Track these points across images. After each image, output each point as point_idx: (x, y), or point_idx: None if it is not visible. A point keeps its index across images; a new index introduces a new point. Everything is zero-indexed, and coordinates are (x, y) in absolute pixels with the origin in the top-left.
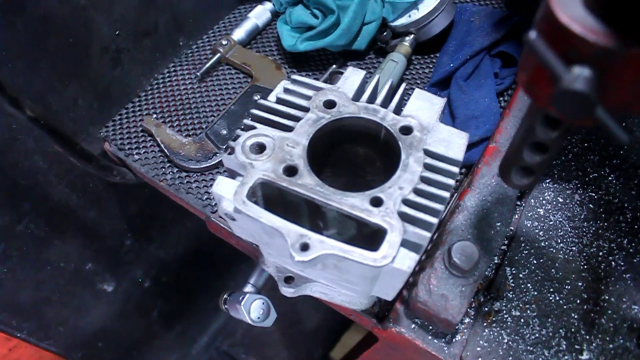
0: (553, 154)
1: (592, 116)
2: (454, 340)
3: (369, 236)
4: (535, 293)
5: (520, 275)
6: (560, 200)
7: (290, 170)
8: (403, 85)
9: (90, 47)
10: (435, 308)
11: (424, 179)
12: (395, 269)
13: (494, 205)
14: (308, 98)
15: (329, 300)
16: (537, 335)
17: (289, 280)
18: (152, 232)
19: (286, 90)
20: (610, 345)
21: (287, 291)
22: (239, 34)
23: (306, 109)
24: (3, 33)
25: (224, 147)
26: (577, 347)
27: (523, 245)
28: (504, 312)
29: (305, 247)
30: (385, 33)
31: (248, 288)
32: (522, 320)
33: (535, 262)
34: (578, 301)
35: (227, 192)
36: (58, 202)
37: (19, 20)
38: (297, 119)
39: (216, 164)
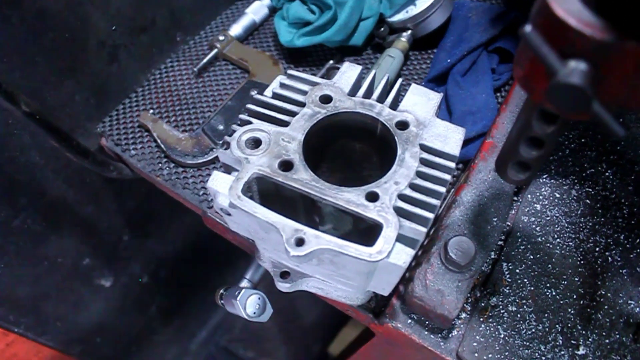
0: (549, 149)
1: (588, 110)
2: (450, 335)
3: (364, 231)
4: (532, 288)
5: (517, 271)
6: (557, 195)
7: (286, 165)
8: (399, 81)
9: (87, 42)
10: (431, 303)
11: (420, 174)
12: (391, 264)
13: (490, 200)
14: (304, 93)
15: (325, 295)
16: (533, 330)
17: (284, 275)
18: (149, 227)
19: (282, 85)
20: (607, 340)
21: (283, 286)
22: (236, 29)
23: (302, 104)
24: None
25: (221, 142)
26: (573, 342)
27: (520, 240)
28: (501, 307)
29: (300, 242)
30: (382, 29)
31: (244, 283)
32: (519, 315)
33: (532, 257)
34: (575, 296)
35: (222, 187)
36: (55, 197)
37: (15, 15)
38: (293, 114)
39: (213, 159)
